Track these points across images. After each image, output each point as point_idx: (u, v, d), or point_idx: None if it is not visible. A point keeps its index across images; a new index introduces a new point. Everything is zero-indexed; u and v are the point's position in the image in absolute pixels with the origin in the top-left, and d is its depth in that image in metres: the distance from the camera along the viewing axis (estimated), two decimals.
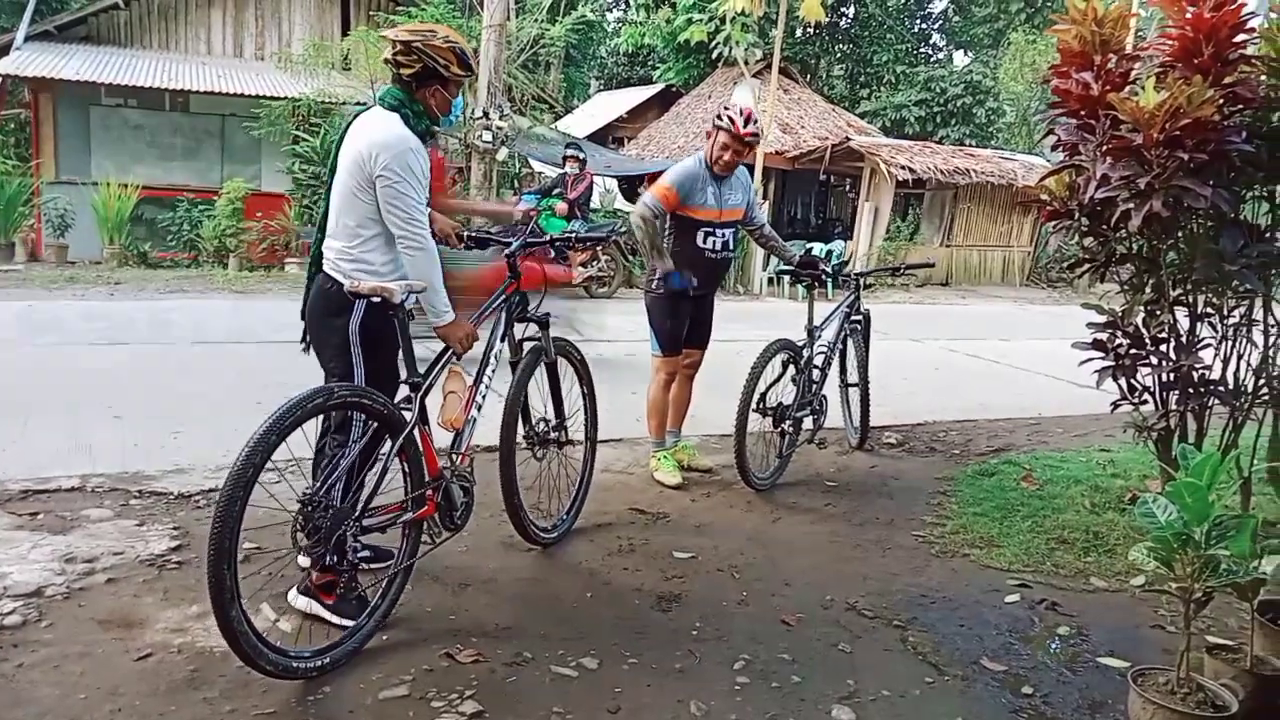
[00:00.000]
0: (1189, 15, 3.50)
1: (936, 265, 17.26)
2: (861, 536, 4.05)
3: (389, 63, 2.94)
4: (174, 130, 13.79)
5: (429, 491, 2.94)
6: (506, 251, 3.50)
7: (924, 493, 4.69)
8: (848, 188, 20.43)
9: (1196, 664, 2.59)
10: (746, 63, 16.56)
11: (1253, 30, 3.53)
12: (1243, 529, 2.46)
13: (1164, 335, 3.91)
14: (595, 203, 13.39)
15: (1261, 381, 3.84)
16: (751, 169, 15.88)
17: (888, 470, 5.12)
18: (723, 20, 16.33)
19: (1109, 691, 2.79)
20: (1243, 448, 3.88)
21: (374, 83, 13.27)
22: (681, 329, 4.50)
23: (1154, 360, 3.90)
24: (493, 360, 3.34)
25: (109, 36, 14.97)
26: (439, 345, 3.09)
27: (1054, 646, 3.12)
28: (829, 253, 13.30)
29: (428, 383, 2.97)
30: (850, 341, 5.21)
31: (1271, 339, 3.79)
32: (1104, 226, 3.91)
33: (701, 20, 18.51)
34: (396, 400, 2.87)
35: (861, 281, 5.24)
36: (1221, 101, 3.41)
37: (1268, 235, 3.72)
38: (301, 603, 2.90)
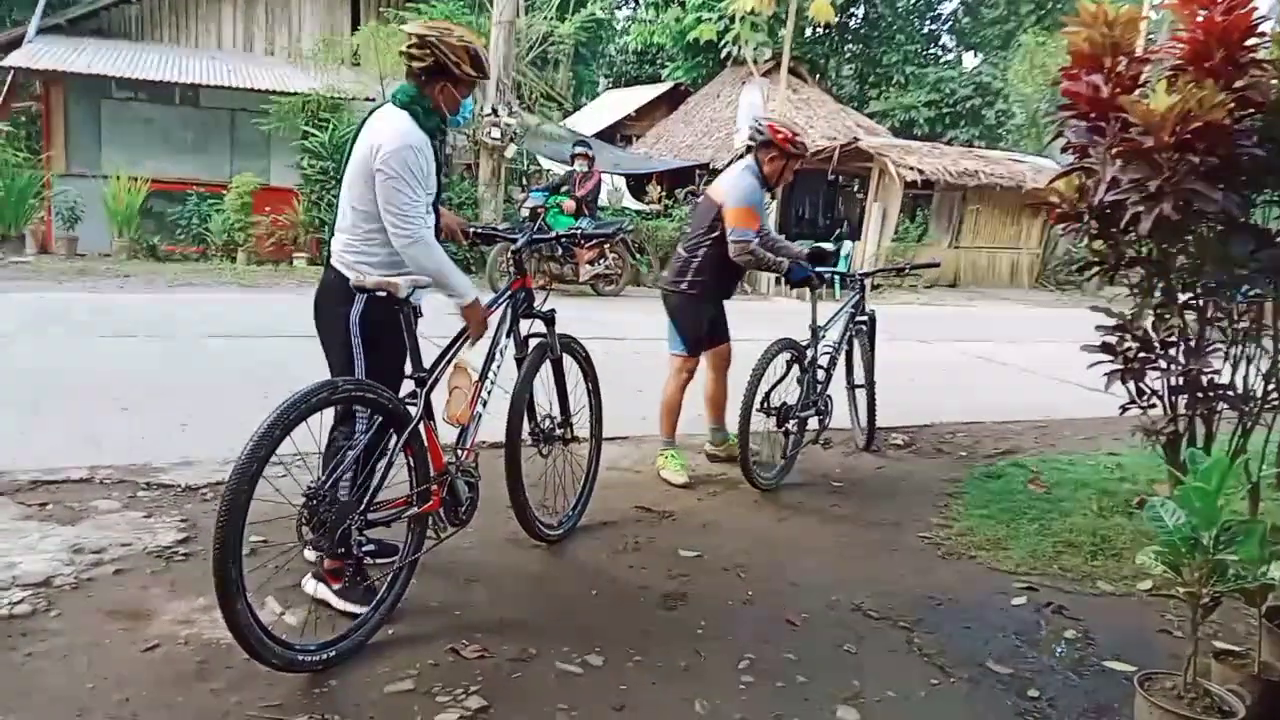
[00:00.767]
0: (1200, 18, 3.49)
1: (944, 267, 17.30)
2: (868, 537, 4.05)
3: (404, 54, 2.95)
4: (184, 124, 13.82)
5: (434, 487, 2.95)
6: (513, 248, 3.50)
7: (931, 494, 4.68)
8: (856, 188, 20.40)
9: (1204, 669, 2.59)
10: (755, 62, 16.56)
11: (1264, 34, 3.52)
12: (1251, 534, 2.45)
13: (1173, 339, 3.90)
14: (603, 200, 13.40)
15: (1271, 386, 3.83)
16: None
17: (895, 471, 5.11)
18: (732, 19, 16.35)
19: (1115, 696, 2.79)
20: (1252, 453, 3.86)
21: (384, 78, 13.33)
22: (705, 330, 4.57)
23: (1163, 364, 3.89)
24: (498, 356, 3.34)
25: (120, 30, 15.03)
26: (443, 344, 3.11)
27: (1060, 650, 3.11)
28: (836, 252, 13.26)
29: (433, 378, 2.98)
30: (856, 342, 5.21)
31: None
32: (1113, 229, 3.90)
33: (711, 19, 18.53)
34: (402, 395, 2.88)
35: (866, 282, 5.23)
36: (1232, 105, 3.40)
37: (1278, 240, 3.70)
38: (311, 586, 2.93)
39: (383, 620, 2.80)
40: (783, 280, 4.72)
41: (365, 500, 2.67)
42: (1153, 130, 3.42)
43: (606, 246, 11.31)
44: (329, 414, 2.79)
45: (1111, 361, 3.98)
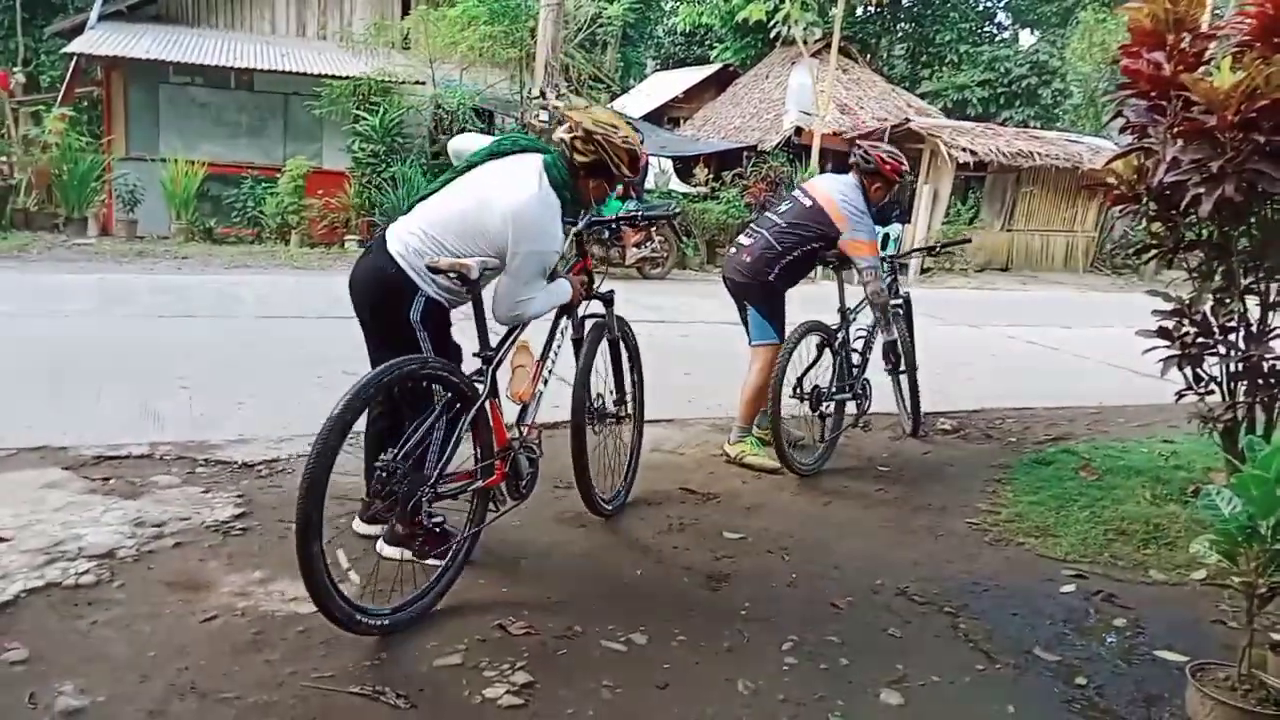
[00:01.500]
0: None
1: (997, 250, 17.01)
2: (913, 522, 4.03)
3: (565, 143, 3.01)
4: (239, 108, 14.06)
5: (498, 461, 3.04)
6: (574, 230, 3.56)
7: (979, 480, 4.63)
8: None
9: (1259, 661, 2.53)
10: (805, 42, 16.37)
11: None
12: None
13: (1233, 324, 3.79)
14: (650, 183, 13.38)
15: None
16: (808, 150, 15.75)
17: (942, 457, 5.06)
18: None
19: (1166, 685, 2.75)
20: None
21: (433, 62, 13.42)
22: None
23: (1222, 349, 3.80)
24: (558, 336, 3.42)
25: (177, 16, 15.31)
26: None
27: (1110, 638, 3.07)
28: (885, 236, 13.12)
29: (499, 357, 3.06)
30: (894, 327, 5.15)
31: None
32: (1173, 211, 3.80)
33: None
34: (469, 374, 2.96)
35: (898, 264, 5.15)
36: None
37: None
38: (392, 551, 3.02)
39: (447, 588, 2.89)
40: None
41: (436, 473, 2.76)
42: (1216, 109, 3.31)
43: (653, 230, 11.30)
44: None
45: (1168, 347, 3.88)
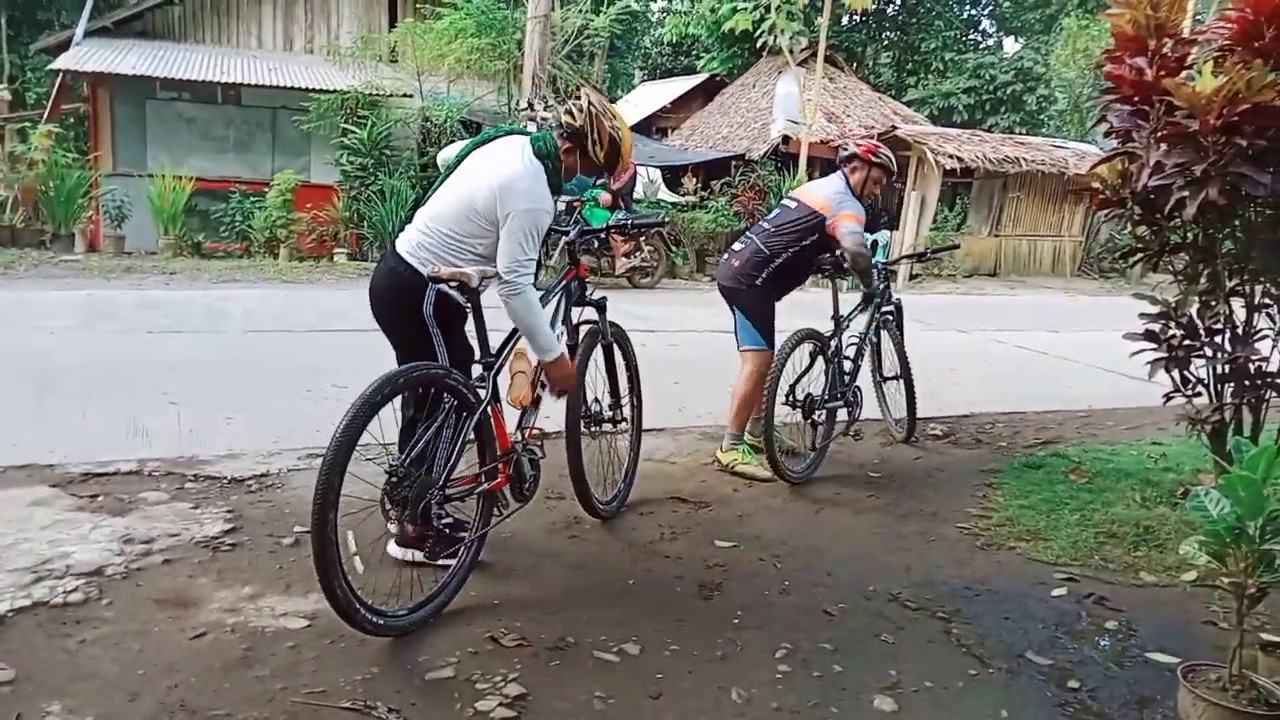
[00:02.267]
0: None
1: (984, 255, 17.08)
2: (905, 528, 4.03)
3: (564, 110, 3.11)
4: (226, 123, 14.02)
5: (501, 465, 3.11)
6: (566, 239, 3.62)
7: (969, 485, 4.64)
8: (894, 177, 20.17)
9: (1250, 661, 2.54)
10: (791, 51, 16.39)
11: None
12: None
13: (1219, 326, 3.82)
14: (639, 193, 13.39)
15: None
16: (796, 159, 15.79)
17: (932, 462, 5.07)
18: (767, 8, 16.18)
19: (1158, 687, 2.75)
20: None
21: (421, 74, 13.43)
22: (773, 323, 4.62)
23: (1208, 352, 3.82)
24: None
25: (164, 31, 15.28)
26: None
27: (1101, 641, 3.07)
28: (874, 243, 13.12)
29: (499, 363, 3.13)
30: (885, 333, 5.17)
31: None
32: (1157, 215, 3.83)
33: (746, 8, 18.37)
34: (471, 379, 3.02)
35: (888, 271, 5.19)
36: None
37: None
38: (403, 554, 3.12)
39: (457, 590, 2.94)
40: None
41: (443, 477, 2.82)
42: (1199, 113, 3.35)
43: (642, 239, 11.33)
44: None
45: (1155, 350, 3.91)
